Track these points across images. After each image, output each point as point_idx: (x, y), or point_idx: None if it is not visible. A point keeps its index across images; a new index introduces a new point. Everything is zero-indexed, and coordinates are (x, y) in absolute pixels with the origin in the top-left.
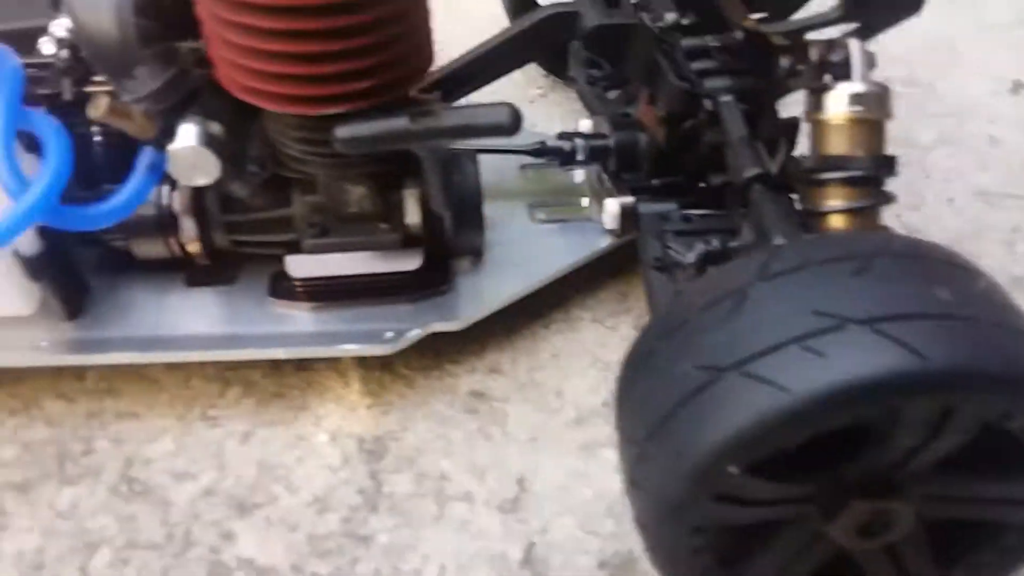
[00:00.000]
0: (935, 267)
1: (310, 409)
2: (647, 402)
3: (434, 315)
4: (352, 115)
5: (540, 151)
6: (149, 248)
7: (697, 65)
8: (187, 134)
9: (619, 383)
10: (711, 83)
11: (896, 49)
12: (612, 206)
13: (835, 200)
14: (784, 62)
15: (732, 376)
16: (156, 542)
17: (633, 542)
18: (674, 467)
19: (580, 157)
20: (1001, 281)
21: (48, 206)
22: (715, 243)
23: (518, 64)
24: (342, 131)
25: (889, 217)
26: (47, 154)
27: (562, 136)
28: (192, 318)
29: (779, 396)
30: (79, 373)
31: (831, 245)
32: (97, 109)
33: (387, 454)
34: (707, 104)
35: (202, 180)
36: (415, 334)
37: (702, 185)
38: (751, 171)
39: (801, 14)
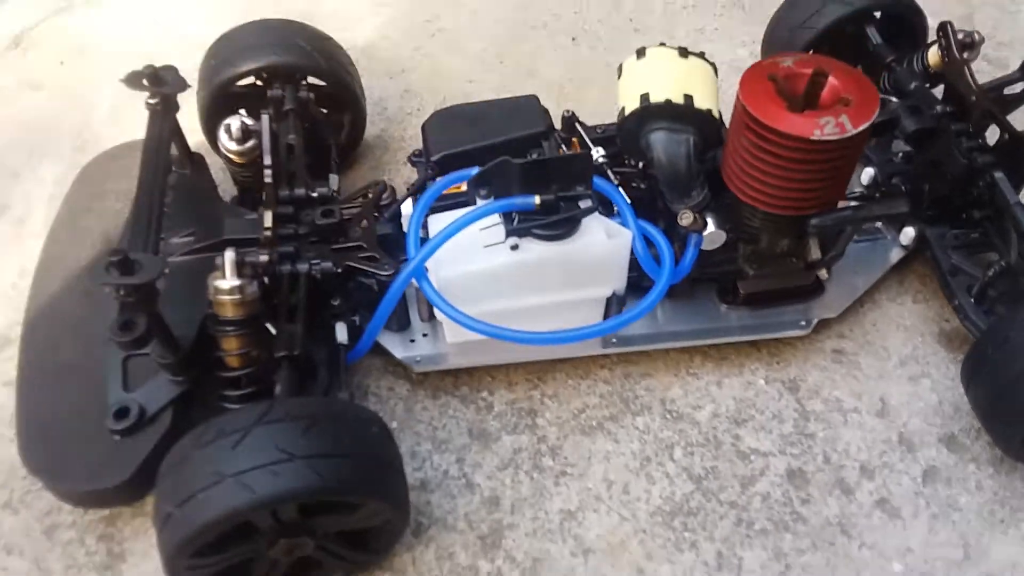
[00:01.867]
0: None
1: (746, 367)
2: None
3: (820, 310)
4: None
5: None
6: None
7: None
8: (711, 224)
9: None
10: (983, 159)
11: None
12: (911, 231)
13: None
14: None
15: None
16: (701, 442)
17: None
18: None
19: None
20: None
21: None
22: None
23: None
24: (815, 222)
25: None
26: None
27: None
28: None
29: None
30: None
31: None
32: (685, 220)
33: (800, 387)
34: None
35: (715, 247)
36: (814, 321)
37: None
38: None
39: None
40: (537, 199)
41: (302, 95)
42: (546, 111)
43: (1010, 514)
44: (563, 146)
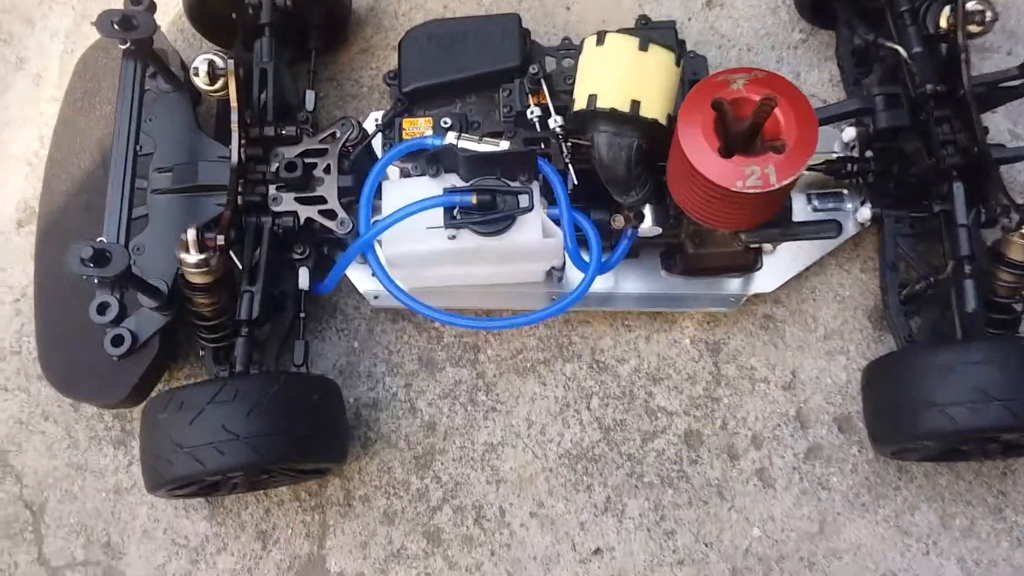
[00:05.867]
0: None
1: (677, 324)
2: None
3: (755, 283)
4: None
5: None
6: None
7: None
8: (648, 218)
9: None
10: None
11: None
12: (867, 212)
13: None
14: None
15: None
16: (618, 395)
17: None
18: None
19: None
20: None
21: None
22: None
23: None
24: (744, 237)
25: None
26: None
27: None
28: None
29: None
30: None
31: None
32: (616, 223)
33: (721, 351)
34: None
35: (651, 236)
36: (743, 299)
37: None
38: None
39: None
40: (474, 198)
41: (279, 1)
42: (525, 36)
43: (873, 500)
44: (528, 92)
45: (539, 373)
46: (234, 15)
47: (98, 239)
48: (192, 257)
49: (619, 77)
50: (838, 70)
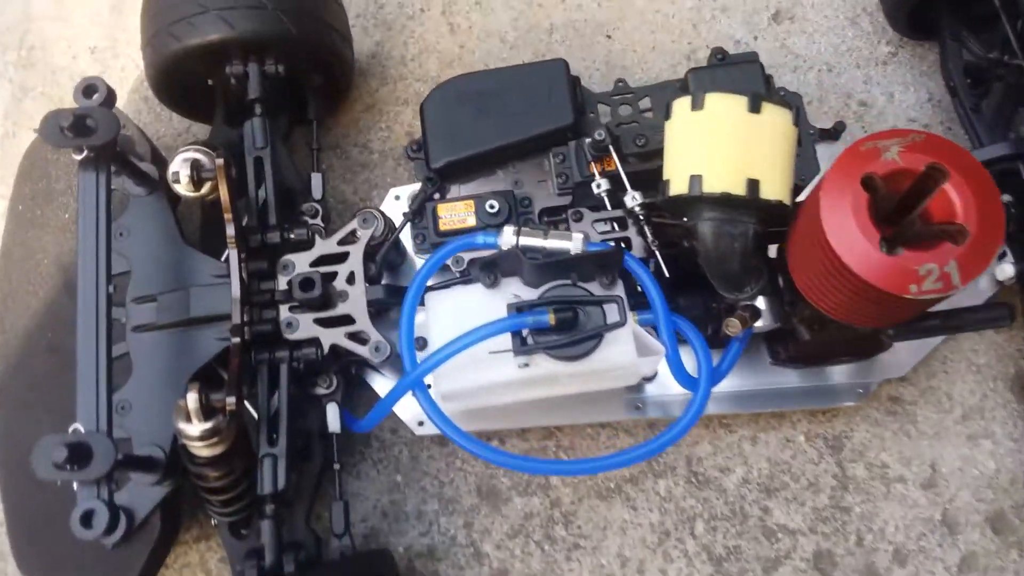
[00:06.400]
0: None
1: (787, 417)
2: None
3: (884, 369)
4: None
5: None
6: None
7: None
8: (764, 316)
9: None
10: None
11: None
12: (1009, 269)
13: None
14: None
15: None
16: (726, 514)
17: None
18: None
19: None
20: None
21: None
22: None
23: None
24: (892, 333)
25: None
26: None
27: None
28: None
29: None
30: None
31: None
32: (731, 329)
33: (844, 447)
34: None
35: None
36: (873, 387)
37: None
38: None
39: None
40: (552, 317)
41: (270, 69)
42: (575, 86)
43: None
44: (590, 158)
45: (627, 495)
46: (210, 81)
47: (72, 427)
48: (196, 428)
49: (729, 151)
50: (936, 87)
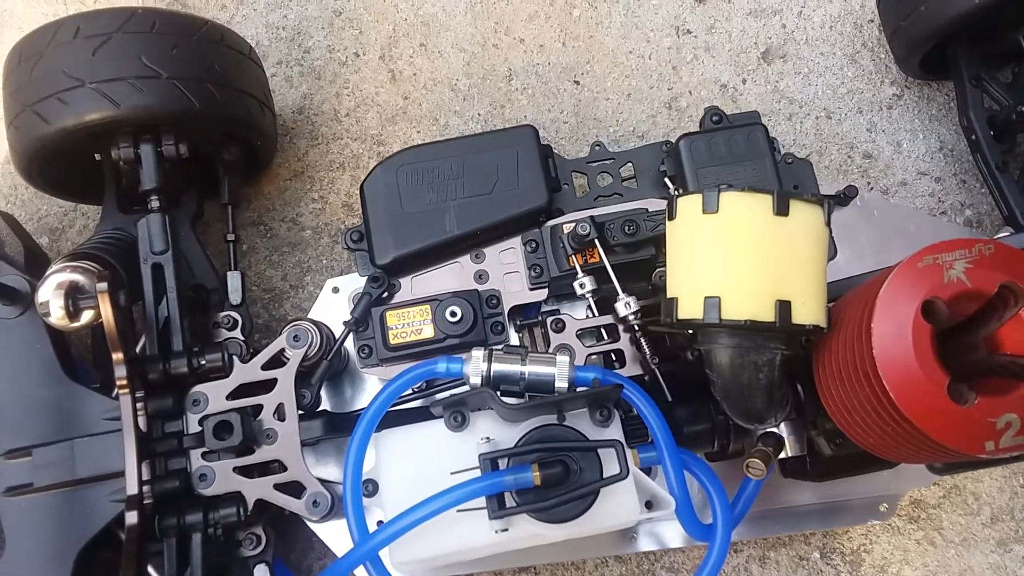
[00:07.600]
0: None
1: (800, 533)
2: None
3: (908, 479)
4: None
5: None
6: None
7: None
8: (788, 445)
9: None
10: None
11: None
12: None
13: None
14: None
15: None
16: None
17: None
18: None
19: None
20: None
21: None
22: None
23: None
24: (939, 467)
25: None
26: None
27: None
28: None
29: None
30: None
31: None
32: (754, 471)
33: (863, 562)
34: None
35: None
36: (899, 500)
37: None
38: None
39: None
40: (536, 475)
41: (168, 150)
42: (547, 157)
43: None
44: (570, 251)
45: None
46: (98, 156)
47: None
48: None
49: (753, 267)
50: (947, 133)
